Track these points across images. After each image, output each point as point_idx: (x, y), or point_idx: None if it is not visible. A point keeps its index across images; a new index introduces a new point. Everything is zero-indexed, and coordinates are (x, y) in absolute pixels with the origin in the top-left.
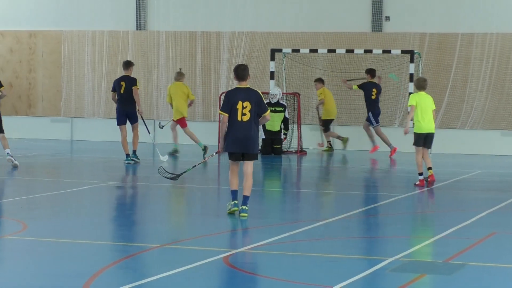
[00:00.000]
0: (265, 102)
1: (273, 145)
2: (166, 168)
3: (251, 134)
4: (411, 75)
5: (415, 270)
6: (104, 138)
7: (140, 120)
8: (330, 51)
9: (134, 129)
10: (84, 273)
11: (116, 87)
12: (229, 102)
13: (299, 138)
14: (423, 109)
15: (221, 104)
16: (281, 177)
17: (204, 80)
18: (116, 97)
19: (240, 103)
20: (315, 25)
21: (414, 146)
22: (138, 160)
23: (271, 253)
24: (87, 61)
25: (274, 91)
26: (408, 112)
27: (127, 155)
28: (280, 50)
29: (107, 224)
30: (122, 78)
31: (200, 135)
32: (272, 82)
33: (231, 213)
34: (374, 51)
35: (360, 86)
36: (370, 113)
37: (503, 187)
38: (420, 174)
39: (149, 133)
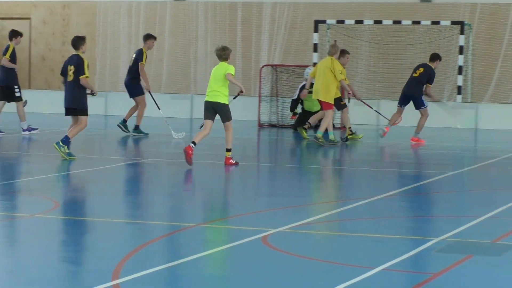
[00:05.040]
0: (303, 84)
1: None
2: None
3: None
4: (461, 47)
5: (462, 250)
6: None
7: None
8: (376, 22)
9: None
10: (117, 253)
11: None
12: None
13: None
14: None
15: None
16: (322, 155)
17: (245, 53)
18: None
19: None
20: None
21: None
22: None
23: (312, 233)
24: (123, 33)
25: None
26: None
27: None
28: (324, 21)
29: (141, 202)
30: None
31: (239, 109)
32: (315, 54)
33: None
34: (423, 22)
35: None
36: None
37: None
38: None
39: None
